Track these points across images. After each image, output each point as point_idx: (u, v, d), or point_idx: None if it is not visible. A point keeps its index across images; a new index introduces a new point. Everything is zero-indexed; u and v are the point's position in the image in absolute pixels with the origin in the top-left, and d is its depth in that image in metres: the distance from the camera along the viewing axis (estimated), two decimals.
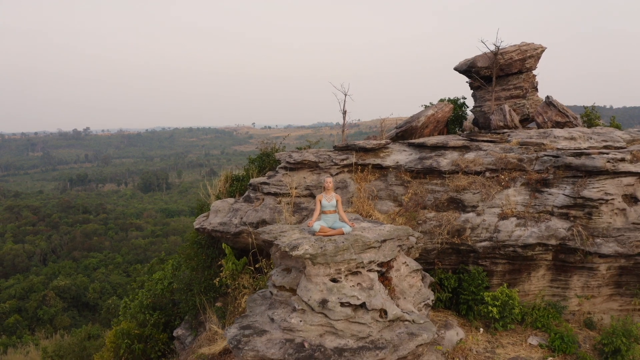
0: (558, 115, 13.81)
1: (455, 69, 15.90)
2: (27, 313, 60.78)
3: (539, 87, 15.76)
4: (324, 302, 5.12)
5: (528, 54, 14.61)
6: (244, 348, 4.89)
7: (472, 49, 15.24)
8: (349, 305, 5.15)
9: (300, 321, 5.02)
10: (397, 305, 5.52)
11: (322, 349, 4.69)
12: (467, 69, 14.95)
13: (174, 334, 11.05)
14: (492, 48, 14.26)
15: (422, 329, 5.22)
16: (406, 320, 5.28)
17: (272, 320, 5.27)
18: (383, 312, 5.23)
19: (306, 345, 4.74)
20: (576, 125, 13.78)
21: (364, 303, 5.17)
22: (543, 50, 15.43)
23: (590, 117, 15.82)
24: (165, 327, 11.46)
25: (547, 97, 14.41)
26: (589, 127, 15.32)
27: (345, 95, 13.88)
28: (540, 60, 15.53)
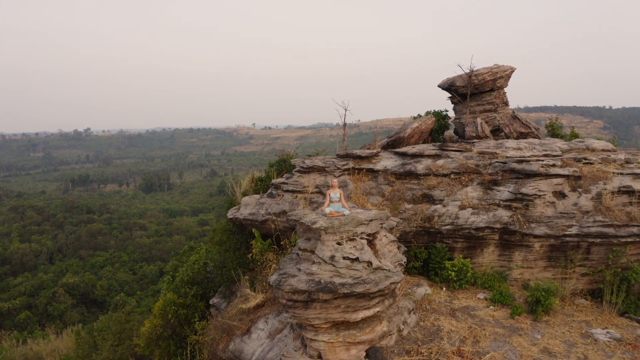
0: (522, 127, 16.95)
1: (439, 86, 19.03)
2: (37, 309, 63.71)
3: (510, 101, 18.99)
4: (332, 257, 8.22)
5: (498, 75, 17.70)
6: (283, 285, 7.97)
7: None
8: (348, 258, 8.24)
9: (318, 269, 8.10)
10: (379, 261, 8.61)
11: (332, 284, 7.77)
12: (448, 87, 18.10)
13: (210, 302, 14.15)
14: (468, 70, 17.42)
15: (394, 274, 8.29)
16: (384, 269, 8.34)
17: (299, 269, 8.33)
18: (369, 264, 8.31)
19: (322, 281, 7.81)
20: (537, 136, 16.89)
21: (357, 257, 8.26)
22: (513, 71, 18.54)
23: (553, 127, 18.96)
24: (202, 298, 14.55)
25: (513, 112, 17.57)
26: (552, 136, 18.46)
27: (346, 110, 17.00)
28: (510, 79, 18.67)
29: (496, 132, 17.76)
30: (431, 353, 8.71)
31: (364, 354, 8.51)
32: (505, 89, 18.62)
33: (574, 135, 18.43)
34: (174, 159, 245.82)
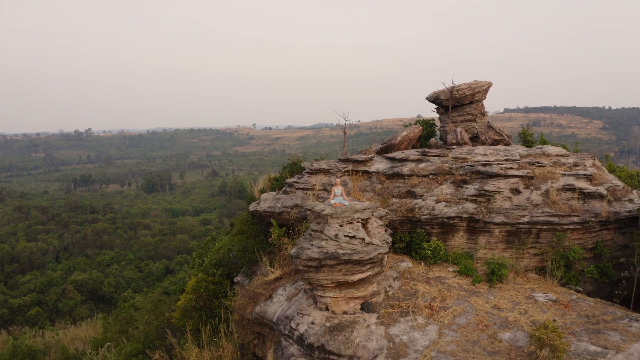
0: (495, 135, 20.19)
1: (426, 98, 22.24)
2: (47, 305, 66.55)
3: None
4: (336, 235, 11.44)
5: (477, 90, 20.89)
6: (301, 254, 11.17)
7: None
8: (348, 236, 11.45)
9: (326, 243, 11.30)
10: (370, 239, 11.82)
11: (336, 253, 10.98)
12: (434, 100, 21.32)
13: (235, 280, 17.36)
14: (450, 86, 20.63)
15: (381, 248, 11.49)
16: (374, 244, 11.54)
17: (312, 244, 11.52)
18: (363, 240, 11.51)
19: (329, 252, 11.03)
20: (508, 142, 20.11)
21: (354, 235, 11.47)
22: (490, 86, 21.74)
23: (525, 134, 22.19)
24: (227, 277, 17.77)
25: (489, 122, 20.81)
26: (524, 143, 21.64)
27: (346, 120, 20.23)
28: (488, 92, 21.83)
29: (474, 139, 20.94)
30: (409, 307, 11.94)
31: (359, 306, 11.75)
32: (484, 101, 21.86)
33: (543, 142, 21.71)
34: (175, 160, 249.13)
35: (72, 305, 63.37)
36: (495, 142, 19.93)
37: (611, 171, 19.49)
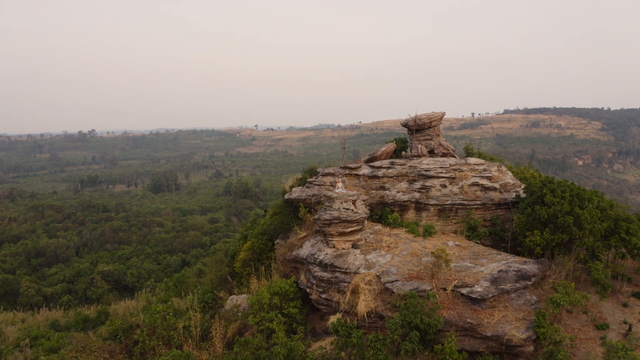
0: (444, 150, 31.58)
1: (401, 124, 33.59)
2: (76, 294, 77.30)
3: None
4: (339, 208, 22.80)
5: (433, 119, 32.23)
6: (320, 217, 22.49)
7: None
8: (345, 208, 22.83)
9: (333, 212, 22.65)
10: (357, 210, 23.17)
11: (339, 217, 22.38)
12: (404, 125, 32.68)
13: (275, 242, 28.69)
14: (414, 116, 31.98)
15: (363, 214, 22.79)
16: (359, 213, 22.82)
17: (326, 212, 22.81)
18: (353, 210, 22.86)
19: (335, 216, 22.32)
20: (453, 156, 31.40)
21: (348, 208, 22.80)
22: (443, 115, 33.13)
23: (467, 149, 33.60)
24: (270, 240, 29.11)
25: (439, 142, 32.17)
26: (467, 155, 32.99)
27: (345, 141, 31.63)
28: (442, 119, 33.16)
29: (431, 152, 32.28)
30: (377, 246, 23.32)
31: (351, 245, 23.12)
32: (440, 126, 33.23)
33: (479, 154, 33.14)
34: (179, 160, 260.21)
35: (100, 293, 73.37)
36: (444, 155, 31.30)
37: (521, 174, 30.84)
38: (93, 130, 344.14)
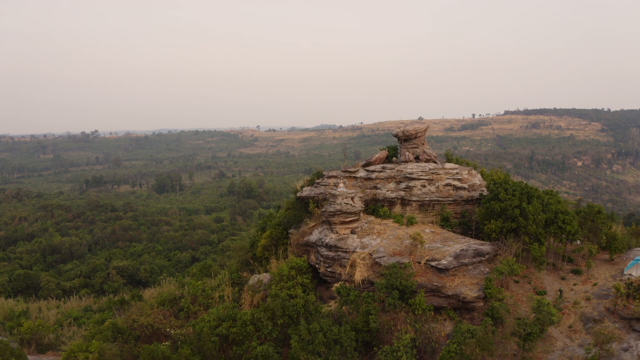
0: (427, 156, 39.23)
1: (393, 134, 41.19)
2: (93, 287, 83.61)
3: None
4: (341, 203, 30.40)
5: (418, 130, 39.81)
6: (327, 209, 30.05)
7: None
8: (345, 203, 30.42)
9: (336, 205, 30.25)
10: (355, 204, 30.77)
11: (341, 209, 29.98)
12: (395, 135, 40.28)
13: (289, 231, 36.28)
14: (402, 128, 39.64)
15: (359, 208, 30.32)
16: (356, 207, 30.36)
17: (331, 206, 30.39)
18: (352, 205, 30.45)
19: (338, 208, 29.90)
20: (435, 162, 38.97)
21: (348, 202, 30.38)
22: (427, 127, 40.75)
23: (448, 155, 41.25)
24: (284, 230, 36.71)
25: (424, 150, 39.81)
26: (448, 161, 40.62)
27: (345, 149, 39.36)
28: (427, 131, 40.77)
29: (417, 158, 39.85)
30: (370, 232, 30.91)
31: (350, 231, 30.72)
32: (425, 137, 40.84)
33: (456, 160, 40.78)
34: (182, 161, 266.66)
35: (116, 287, 79.73)
36: (427, 160, 38.87)
37: (491, 176, 38.39)
38: (96, 130, 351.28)
